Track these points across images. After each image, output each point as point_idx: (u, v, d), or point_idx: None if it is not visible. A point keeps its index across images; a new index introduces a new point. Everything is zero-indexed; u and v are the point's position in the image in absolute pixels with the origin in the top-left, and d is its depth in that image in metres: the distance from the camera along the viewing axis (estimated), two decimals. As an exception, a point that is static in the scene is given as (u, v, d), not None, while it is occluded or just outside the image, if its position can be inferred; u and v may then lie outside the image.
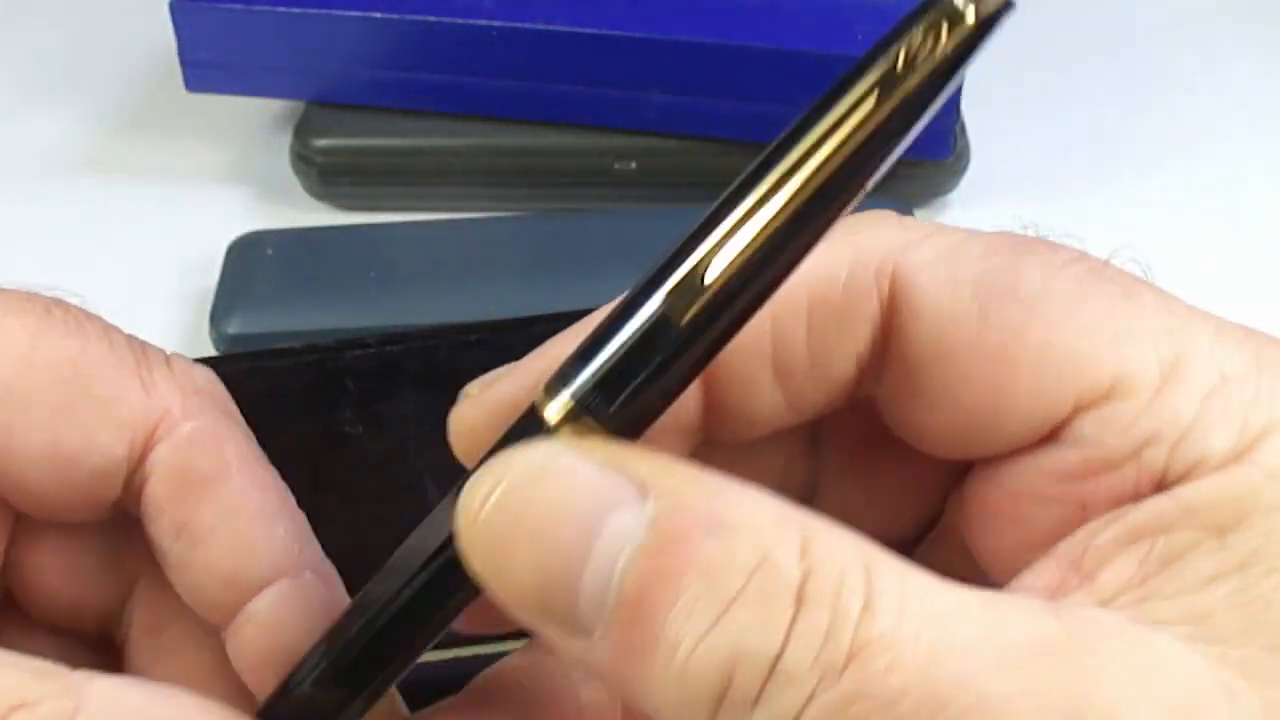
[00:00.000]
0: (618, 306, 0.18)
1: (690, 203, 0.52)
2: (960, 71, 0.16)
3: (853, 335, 0.21)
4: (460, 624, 0.21)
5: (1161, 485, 0.19)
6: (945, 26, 0.16)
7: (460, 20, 0.51)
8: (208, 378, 0.24)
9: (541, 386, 0.19)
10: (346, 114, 0.54)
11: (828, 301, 0.20)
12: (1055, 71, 0.58)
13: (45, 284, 0.24)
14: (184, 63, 0.53)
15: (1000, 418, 0.20)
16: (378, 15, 0.51)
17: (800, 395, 0.21)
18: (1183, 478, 0.18)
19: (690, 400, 0.21)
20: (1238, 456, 0.18)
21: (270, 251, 0.48)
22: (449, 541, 0.19)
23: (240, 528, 0.22)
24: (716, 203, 0.18)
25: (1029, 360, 0.19)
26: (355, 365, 0.38)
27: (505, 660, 0.24)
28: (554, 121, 0.52)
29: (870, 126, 0.16)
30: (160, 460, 0.22)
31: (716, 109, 0.51)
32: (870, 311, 0.20)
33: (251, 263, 0.48)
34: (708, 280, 0.17)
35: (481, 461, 0.19)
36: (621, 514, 0.17)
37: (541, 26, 0.50)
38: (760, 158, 0.17)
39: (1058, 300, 0.19)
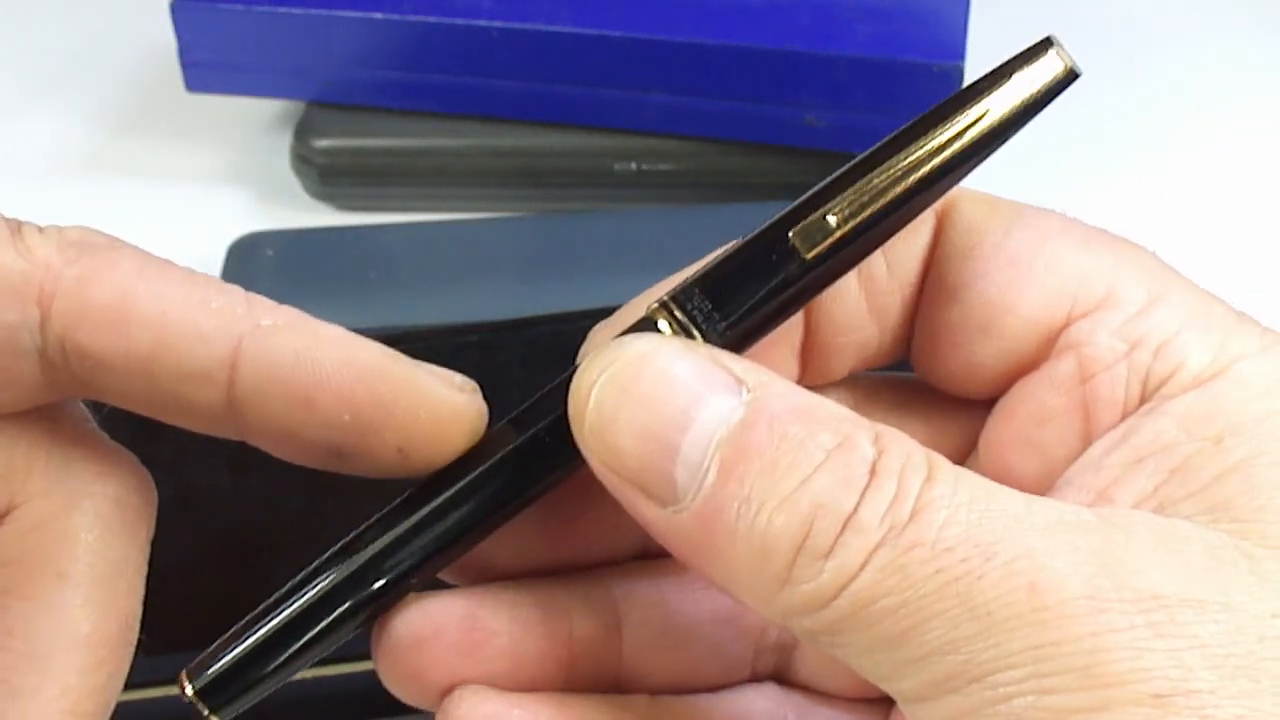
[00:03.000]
0: (740, 242, 0.21)
1: (690, 203, 0.52)
2: (1041, 108, 0.21)
3: (915, 242, 0.23)
4: (450, 575, 0.23)
5: (1146, 390, 0.21)
6: (1042, 68, 0.21)
7: (460, 20, 0.51)
8: (82, 231, 0.22)
9: (654, 302, 0.21)
10: (346, 114, 0.54)
11: None
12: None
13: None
14: (184, 63, 0.53)
15: (1007, 318, 0.22)
16: (378, 15, 0.51)
17: (882, 305, 0.24)
18: (1164, 383, 0.21)
19: (792, 322, 0.23)
20: (1216, 373, 0.21)
21: (270, 252, 0.48)
22: (552, 422, 0.21)
23: (176, 326, 0.21)
24: (848, 165, 0.21)
25: (1037, 268, 0.22)
26: (355, 365, 0.38)
27: (511, 583, 0.24)
28: (554, 121, 0.52)
29: (984, 128, 0.21)
30: (64, 311, 0.20)
31: (716, 109, 0.51)
32: (929, 224, 0.23)
33: (252, 263, 0.48)
34: (836, 224, 0.21)
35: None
36: (721, 396, 0.19)
37: (541, 26, 0.50)
38: (868, 152, 0.21)
39: (1069, 236, 0.23)
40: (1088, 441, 0.22)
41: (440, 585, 0.24)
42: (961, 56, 0.48)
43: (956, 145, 0.21)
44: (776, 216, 0.21)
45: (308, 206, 0.54)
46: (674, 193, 0.53)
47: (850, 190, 0.21)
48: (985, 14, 0.52)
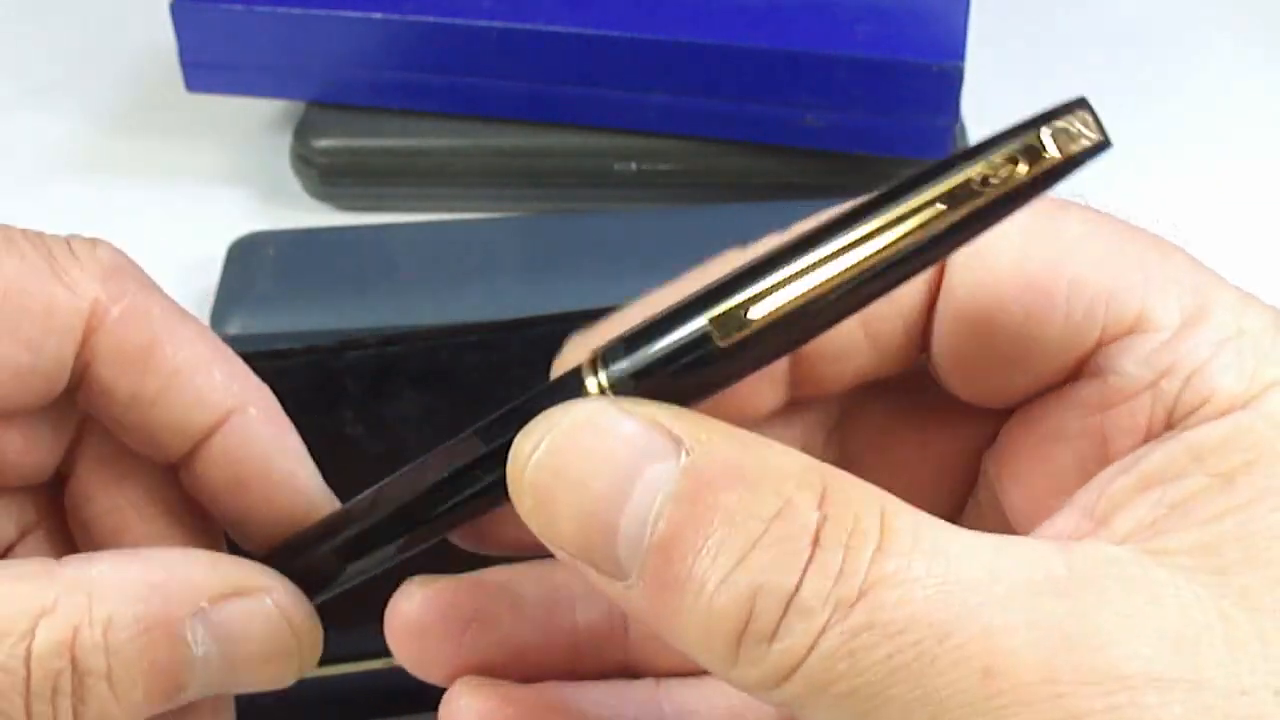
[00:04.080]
0: (670, 308, 0.20)
1: (690, 203, 0.52)
2: (1032, 198, 0.17)
3: None
4: (461, 537, 0.23)
5: (1172, 419, 0.20)
6: (1026, 159, 0.17)
7: (460, 20, 0.51)
8: (111, 253, 0.25)
9: (590, 350, 0.20)
10: (346, 114, 0.54)
11: None
12: (1055, 74, 0.58)
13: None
14: (184, 63, 0.53)
15: (1033, 347, 0.21)
16: (378, 15, 0.51)
17: (880, 331, 0.22)
18: (1192, 413, 0.20)
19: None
20: (1246, 402, 0.19)
21: (271, 252, 0.48)
22: (475, 462, 0.21)
23: (182, 384, 0.24)
24: (773, 247, 0.19)
25: (1061, 293, 0.21)
26: (355, 365, 0.38)
27: (516, 566, 0.24)
28: (554, 121, 0.52)
29: (930, 232, 0.18)
30: (100, 346, 0.24)
31: (716, 109, 0.51)
32: None
33: (252, 263, 0.48)
34: (753, 317, 0.19)
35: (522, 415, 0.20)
36: (657, 465, 0.18)
37: (541, 26, 0.50)
38: (821, 222, 0.19)
39: (1093, 246, 0.21)
40: (1102, 465, 0.21)
41: (442, 569, 0.24)
42: (961, 56, 0.48)
43: (892, 242, 0.18)
44: (700, 291, 0.19)
45: (308, 206, 0.54)
46: (674, 193, 0.53)
47: (772, 276, 0.19)
48: (985, 14, 0.52)
